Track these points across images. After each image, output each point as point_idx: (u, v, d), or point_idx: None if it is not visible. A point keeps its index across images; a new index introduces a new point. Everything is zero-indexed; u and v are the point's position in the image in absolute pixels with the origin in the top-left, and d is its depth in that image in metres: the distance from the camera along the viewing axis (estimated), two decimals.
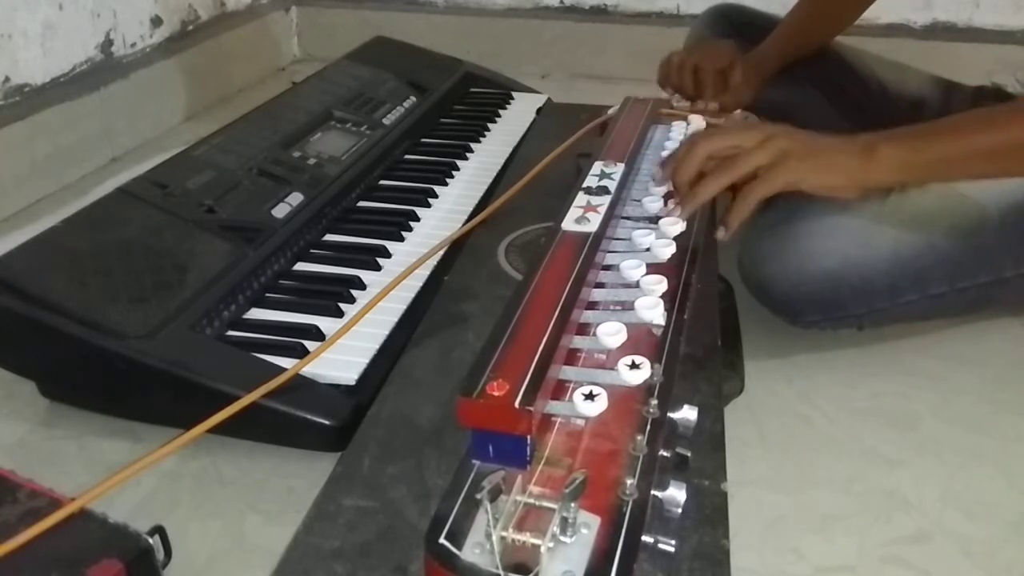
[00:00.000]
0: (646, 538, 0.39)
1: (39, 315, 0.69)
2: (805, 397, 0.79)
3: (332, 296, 0.78)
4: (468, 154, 1.09)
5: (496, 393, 0.42)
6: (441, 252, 0.81)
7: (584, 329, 0.52)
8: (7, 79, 1.15)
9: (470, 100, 1.27)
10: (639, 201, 0.71)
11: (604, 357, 0.50)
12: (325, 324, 0.74)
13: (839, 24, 1.11)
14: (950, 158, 0.71)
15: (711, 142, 0.72)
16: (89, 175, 1.26)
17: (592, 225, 0.61)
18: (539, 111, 1.24)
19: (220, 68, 1.59)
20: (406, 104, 1.14)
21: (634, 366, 0.47)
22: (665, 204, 0.70)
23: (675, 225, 0.65)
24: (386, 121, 1.09)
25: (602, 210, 0.64)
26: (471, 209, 0.95)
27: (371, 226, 0.91)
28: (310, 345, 0.71)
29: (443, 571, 0.37)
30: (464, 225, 0.85)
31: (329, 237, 0.89)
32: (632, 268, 0.58)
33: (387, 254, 0.86)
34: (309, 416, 0.66)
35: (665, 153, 0.78)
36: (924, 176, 0.74)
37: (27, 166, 1.16)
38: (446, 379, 0.64)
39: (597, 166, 0.72)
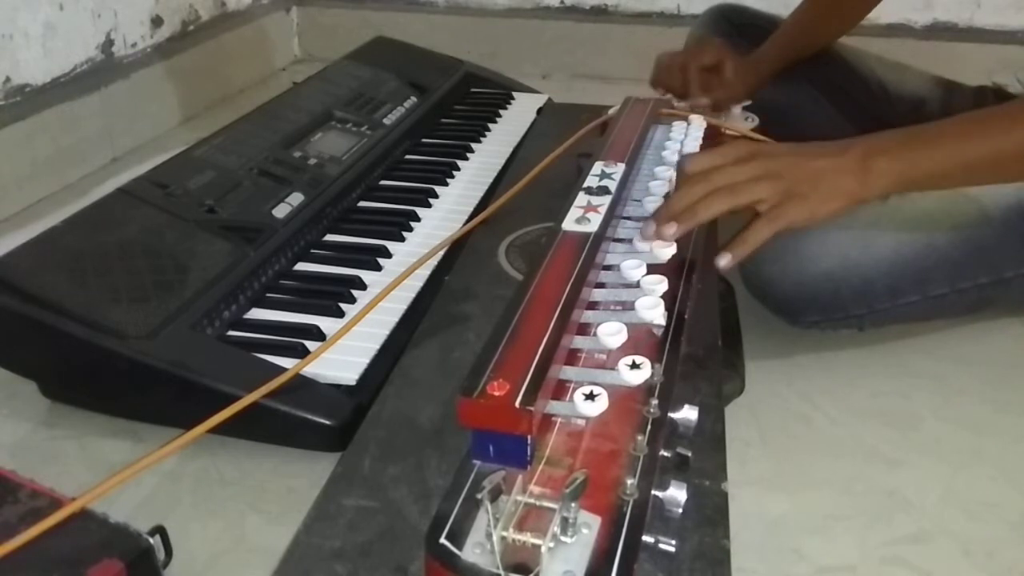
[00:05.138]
0: (647, 538, 0.39)
1: (40, 315, 0.69)
2: (806, 397, 0.79)
3: (333, 296, 0.78)
4: (469, 154, 1.09)
5: (496, 393, 0.42)
6: (442, 252, 0.81)
7: (584, 329, 0.52)
8: (8, 79, 1.15)
9: (470, 100, 1.27)
10: (639, 201, 0.71)
11: (605, 357, 0.50)
12: (326, 324, 0.74)
13: (842, 27, 1.10)
14: (948, 170, 0.70)
15: (709, 182, 0.67)
16: (90, 175, 1.25)
17: (593, 225, 0.61)
18: (539, 111, 1.24)
19: (221, 68, 1.59)
20: (406, 104, 1.14)
21: (635, 366, 0.47)
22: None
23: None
24: (387, 121, 1.09)
25: (603, 210, 0.64)
26: (472, 209, 0.95)
27: (372, 226, 0.91)
28: (311, 345, 0.71)
29: (444, 571, 0.37)
30: (464, 225, 0.85)
31: (330, 237, 0.89)
32: (633, 268, 0.58)
33: (388, 254, 0.86)
34: (310, 416, 0.66)
35: (666, 151, 0.78)
36: (922, 187, 0.72)
37: (28, 166, 1.16)
38: (446, 379, 0.64)
39: (598, 166, 0.72)
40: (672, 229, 0.63)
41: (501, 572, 0.36)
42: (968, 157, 0.70)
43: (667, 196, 0.70)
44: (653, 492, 0.41)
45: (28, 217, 1.12)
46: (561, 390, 0.47)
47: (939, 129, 0.71)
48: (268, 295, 0.79)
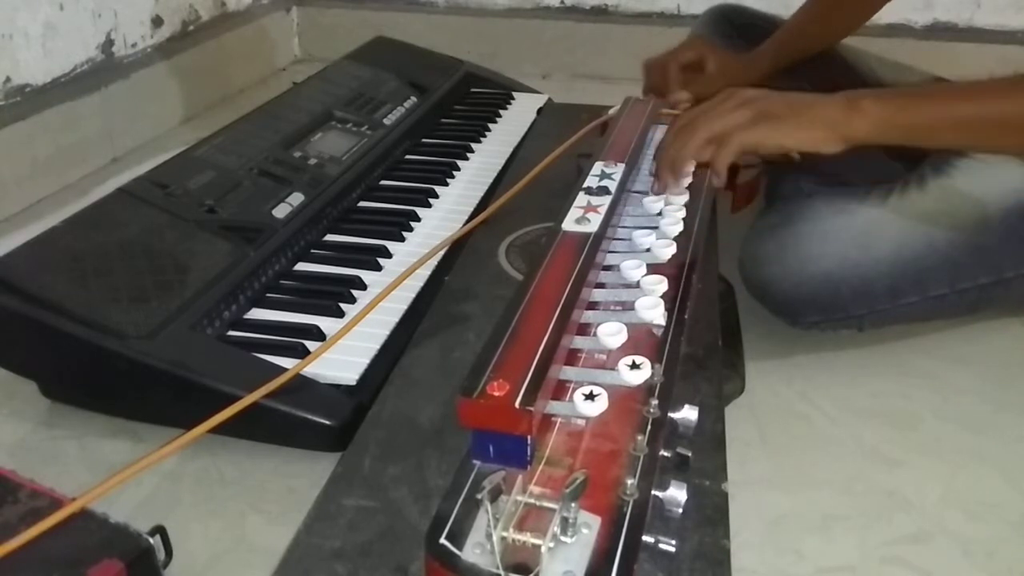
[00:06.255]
0: (647, 538, 0.39)
1: (40, 315, 0.69)
2: (806, 397, 0.79)
3: (333, 296, 0.78)
4: (469, 154, 1.09)
5: (496, 393, 0.42)
6: (442, 252, 0.81)
7: (584, 329, 0.52)
8: (8, 79, 1.15)
9: (470, 100, 1.27)
10: (640, 201, 0.71)
11: (604, 357, 0.50)
12: (326, 324, 0.74)
13: (843, 29, 1.10)
14: (934, 123, 0.71)
15: (704, 129, 0.71)
16: (90, 175, 1.26)
17: (592, 225, 0.61)
18: (540, 111, 1.24)
19: (221, 68, 1.59)
20: (407, 104, 1.14)
21: (635, 366, 0.47)
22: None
23: (675, 224, 0.65)
24: (387, 121, 1.09)
25: (602, 210, 0.64)
26: (472, 209, 0.95)
27: (372, 226, 0.91)
28: (311, 345, 0.71)
29: (444, 571, 0.37)
30: (465, 225, 0.85)
31: (330, 237, 0.89)
32: (632, 268, 0.58)
33: (388, 254, 0.86)
34: (310, 416, 0.66)
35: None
36: (906, 137, 0.72)
37: (28, 166, 1.16)
38: (447, 379, 0.64)
39: (597, 166, 0.72)
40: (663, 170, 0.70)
41: (501, 572, 0.36)
42: (956, 115, 0.71)
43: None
44: (653, 492, 0.41)
45: (28, 217, 1.12)
46: (561, 390, 0.47)
47: (933, 87, 0.74)
48: (268, 295, 0.79)
